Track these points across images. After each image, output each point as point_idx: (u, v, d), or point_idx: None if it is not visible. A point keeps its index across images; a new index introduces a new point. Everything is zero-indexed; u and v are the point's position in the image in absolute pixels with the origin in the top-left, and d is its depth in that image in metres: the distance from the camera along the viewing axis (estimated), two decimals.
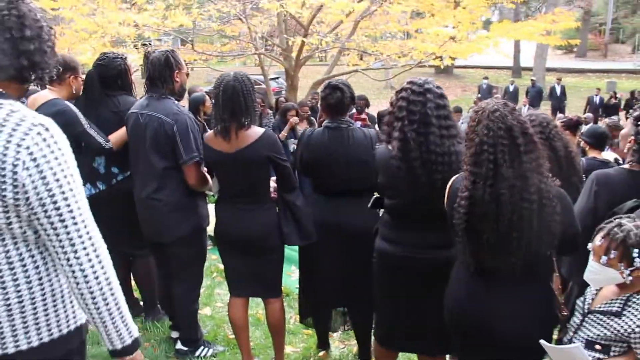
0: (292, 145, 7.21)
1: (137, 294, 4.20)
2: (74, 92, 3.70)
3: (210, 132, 3.17)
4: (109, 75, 3.60)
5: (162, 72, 3.26)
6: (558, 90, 19.73)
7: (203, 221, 3.47)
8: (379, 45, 12.40)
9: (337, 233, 3.33)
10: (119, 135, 3.54)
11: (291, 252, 3.75)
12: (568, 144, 3.25)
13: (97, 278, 1.61)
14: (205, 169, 3.32)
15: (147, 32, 10.18)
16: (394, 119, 2.77)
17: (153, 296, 3.96)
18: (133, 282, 4.13)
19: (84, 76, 3.74)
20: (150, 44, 12.61)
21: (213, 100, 3.10)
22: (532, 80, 20.68)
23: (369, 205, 3.09)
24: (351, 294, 3.46)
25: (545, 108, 18.91)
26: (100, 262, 1.64)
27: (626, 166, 2.75)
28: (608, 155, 4.89)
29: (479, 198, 2.19)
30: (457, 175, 2.43)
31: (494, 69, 28.74)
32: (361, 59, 12.55)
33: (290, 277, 5.04)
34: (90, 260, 1.60)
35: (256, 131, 3.09)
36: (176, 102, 3.30)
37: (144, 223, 3.44)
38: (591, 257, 2.21)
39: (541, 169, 2.22)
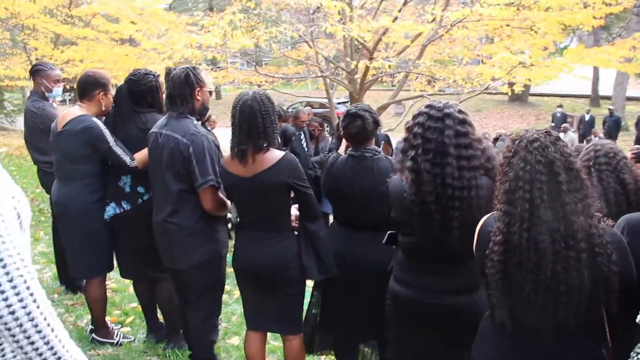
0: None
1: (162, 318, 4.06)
2: (104, 108, 3.64)
3: (227, 154, 2.98)
4: (138, 91, 3.50)
5: (182, 90, 3.11)
6: None
7: (221, 248, 3.26)
8: (446, 70, 12.05)
9: (355, 267, 3.06)
10: (144, 154, 3.41)
11: None
12: (639, 177, 2.82)
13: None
14: (222, 194, 3.12)
15: (211, 54, 10.26)
16: (409, 147, 2.48)
17: (175, 322, 3.78)
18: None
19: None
20: (217, 66, 12.79)
21: (230, 121, 2.90)
22: (609, 109, 19.65)
23: (383, 241, 2.78)
24: (380, 327, 3.15)
25: (624, 139, 17.85)
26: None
27: None
28: None
29: (515, 244, 1.86)
30: (488, 215, 2.09)
31: (570, 97, 27.58)
32: (429, 83, 12.23)
33: None
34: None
35: (275, 155, 2.87)
36: (195, 121, 3.13)
37: (160, 247, 3.29)
38: None
39: (589, 210, 1.87)
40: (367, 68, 10.65)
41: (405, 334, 2.67)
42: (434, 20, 9.32)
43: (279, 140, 5.82)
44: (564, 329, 1.86)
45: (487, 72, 9.52)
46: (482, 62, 11.70)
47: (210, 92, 3.31)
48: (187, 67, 3.16)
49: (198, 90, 3.16)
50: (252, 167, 2.85)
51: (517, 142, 1.96)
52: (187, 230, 3.13)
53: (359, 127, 3.07)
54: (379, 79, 13.53)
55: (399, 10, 10.15)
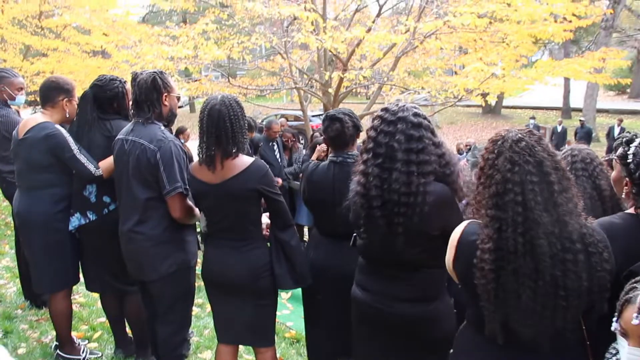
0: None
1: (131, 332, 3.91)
2: (68, 115, 3.52)
3: (195, 161, 2.88)
4: (104, 97, 3.38)
5: (149, 95, 3.00)
6: (617, 131, 18.88)
7: (190, 258, 3.15)
8: (420, 81, 12.09)
9: (339, 280, 2.94)
10: (109, 162, 3.29)
11: None
12: None
13: None
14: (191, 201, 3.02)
15: (184, 65, 10.15)
16: (363, 150, 2.42)
17: (144, 336, 3.64)
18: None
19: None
20: (190, 78, 12.65)
21: (198, 126, 2.81)
22: (580, 120, 19.98)
23: (351, 243, 2.70)
24: None
25: (595, 149, 18.09)
26: None
27: (631, 211, 2.14)
28: None
29: (510, 250, 1.76)
30: (466, 223, 1.97)
31: (543, 109, 28.09)
32: (402, 95, 12.26)
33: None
34: None
35: (244, 161, 2.78)
36: (163, 127, 3.03)
37: (126, 258, 3.16)
38: (625, 342, 1.55)
39: (578, 209, 1.81)
40: (341, 79, 10.64)
41: (362, 338, 2.62)
42: (407, 31, 9.34)
43: (249, 150, 5.74)
44: (561, 336, 1.79)
45: (461, 82, 9.57)
46: (456, 73, 11.80)
47: (178, 98, 3.21)
48: (155, 72, 3.06)
49: (165, 96, 3.06)
50: (220, 174, 2.76)
51: (499, 142, 1.86)
52: (154, 239, 3.02)
53: (337, 131, 3.00)
54: (353, 91, 13.56)
55: (373, 22, 10.16)
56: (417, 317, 2.38)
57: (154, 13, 26.99)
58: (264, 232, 2.97)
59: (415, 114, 2.34)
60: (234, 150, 2.75)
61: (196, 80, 12.35)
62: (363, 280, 2.57)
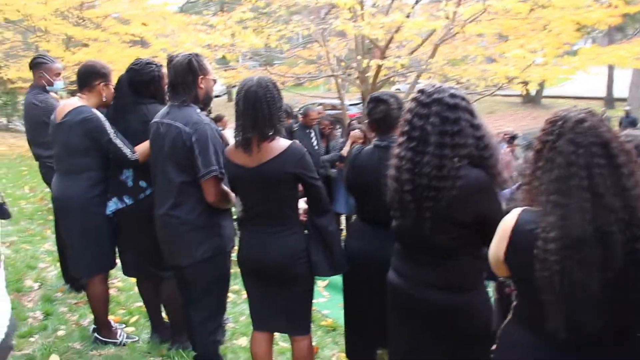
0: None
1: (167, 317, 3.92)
2: (105, 99, 3.51)
3: (231, 144, 2.83)
4: (140, 81, 3.36)
5: (185, 78, 2.96)
6: None
7: (226, 243, 3.11)
8: (459, 69, 11.86)
9: (381, 268, 2.82)
10: (145, 146, 3.27)
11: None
12: None
13: None
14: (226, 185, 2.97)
15: (221, 53, 10.16)
16: (400, 133, 2.35)
17: (180, 322, 3.63)
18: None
19: None
20: (228, 66, 12.67)
21: (234, 109, 2.75)
22: (625, 110, 19.35)
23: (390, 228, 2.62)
24: None
25: None
26: None
27: None
28: None
29: (578, 239, 1.63)
30: (519, 211, 1.82)
31: (585, 99, 27.27)
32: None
33: (341, 308, 4.62)
34: None
35: (281, 144, 2.72)
36: (199, 110, 2.99)
37: (161, 243, 3.14)
38: None
39: None
40: (378, 67, 10.50)
41: (395, 325, 2.55)
42: (447, 17, 9.15)
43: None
44: (627, 330, 1.69)
45: (501, 70, 9.34)
46: (495, 61, 11.52)
47: (215, 82, 3.16)
48: (190, 54, 3.01)
49: (201, 78, 3.01)
50: (257, 157, 2.70)
51: (559, 123, 1.74)
52: (189, 224, 2.98)
53: (383, 112, 2.92)
54: (392, 79, 13.38)
55: (412, 8, 9.98)
56: (449, 307, 2.29)
57: (191, 3, 27.21)
58: (302, 218, 2.91)
59: (452, 95, 2.24)
60: (270, 133, 2.69)
61: (233, 69, 12.39)
62: (398, 265, 2.51)
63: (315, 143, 7.48)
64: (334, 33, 13.95)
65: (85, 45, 15.72)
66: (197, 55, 3.04)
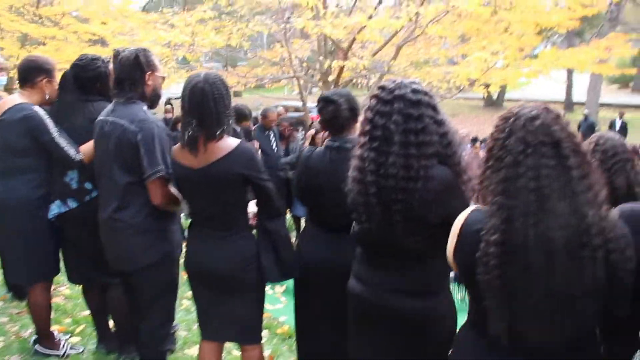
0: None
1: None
2: (48, 97, 3.32)
3: (177, 144, 2.69)
4: (85, 77, 3.20)
5: (131, 73, 2.81)
6: (618, 124, 18.64)
7: (174, 248, 2.96)
8: (421, 72, 11.88)
9: (336, 275, 2.72)
10: (91, 146, 3.10)
11: None
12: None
13: None
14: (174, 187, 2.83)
15: (181, 53, 9.94)
16: (360, 133, 2.24)
17: (127, 331, 3.47)
18: None
19: None
20: (188, 66, 12.44)
21: (180, 106, 2.61)
22: (584, 114, 19.76)
23: (350, 232, 2.49)
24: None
25: None
26: None
27: None
28: None
29: (519, 243, 1.54)
30: (470, 211, 1.75)
31: (545, 103, 27.82)
32: None
33: None
34: None
35: (229, 143, 2.59)
36: (145, 108, 2.84)
37: (106, 247, 2.98)
38: None
39: (599, 199, 1.59)
40: (341, 68, 10.43)
41: (358, 335, 2.41)
42: (410, 19, 9.13)
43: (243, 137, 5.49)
44: (574, 339, 1.60)
45: (463, 72, 9.37)
46: (457, 64, 11.58)
47: (163, 78, 3.01)
48: (137, 49, 2.86)
49: (149, 74, 2.86)
50: (203, 157, 2.56)
51: (511, 120, 1.64)
52: (134, 227, 2.83)
53: (331, 113, 2.79)
54: (354, 81, 13.34)
55: (375, 9, 9.95)
56: (418, 312, 2.18)
57: (154, 2, 26.72)
58: (251, 221, 2.78)
59: (414, 91, 2.13)
60: (218, 132, 2.55)
61: (194, 69, 12.16)
62: (360, 272, 2.37)
63: (274, 145, 7.36)
64: (298, 34, 13.84)
65: (43, 43, 15.25)
66: (144, 50, 2.89)
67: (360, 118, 2.30)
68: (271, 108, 8.03)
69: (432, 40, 12.10)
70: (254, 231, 2.79)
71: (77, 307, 4.36)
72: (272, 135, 7.50)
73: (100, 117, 2.91)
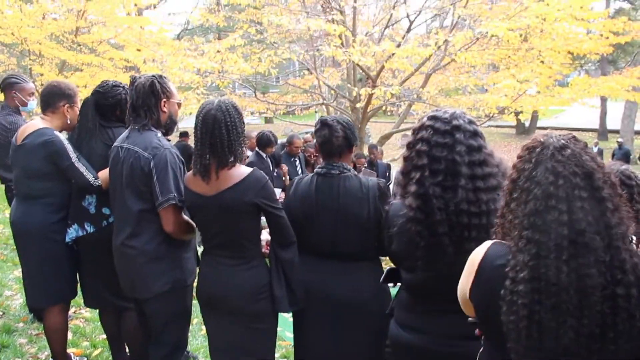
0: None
1: None
2: (69, 122, 3.37)
3: (190, 172, 2.68)
4: (106, 104, 3.24)
5: (146, 100, 2.82)
6: None
7: (187, 276, 2.93)
8: (451, 100, 11.81)
9: (325, 302, 2.71)
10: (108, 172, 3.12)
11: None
12: None
13: None
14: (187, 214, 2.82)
15: (211, 79, 10.07)
16: (412, 167, 2.10)
17: (141, 355, 3.44)
18: None
19: None
20: (218, 92, 12.61)
21: (193, 133, 2.62)
22: (618, 142, 19.39)
23: (381, 279, 2.39)
24: None
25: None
26: None
27: None
28: None
29: (551, 281, 1.43)
30: (489, 243, 1.64)
31: (578, 131, 27.36)
32: None
33: None
34: None
35: (241, 171, 2.57)
36: (160, 135, 2.85)
37: (119, 274, 2.97)
38: None
39: (629, 234, 1.50)
40: (369, 96, 10.43)
41: None
42: (437, 45, 9.10)
43: (269, 164, 5.50)
44: None
45: (493, 100, 9.25)
46: (487, 91, 11.47)
47: (179, 105, 3.03)
48: (153, 76, 2.89)
49: (164, 102, 2.88)
50: (215, 185, 2.55)
51: (537, 149, 1.54)
52: (147, 255, 2.82)
53: (324, 137, 2.75)
54: (383, 109, 13.32)
55: (403, 37, 9.96)
56: (471, 354, 2.03)
57: (188, 30, 27.30)
58: (264, 250, 2.75)
59: (470, 121, 2.08)
60: (230, 160, 2.54)
61: (223, 95, 12.31)
62: (411, 320, 2.22)
63: (300, 171, 7.38)
64: (330, 63, 13.92)
65: (79, 70, 15.67)
66: (160, 77, 2.91)
67: (405, 152, 2.18)
68: (297, 135, 8.09)
69: (462, 68, 12.03)
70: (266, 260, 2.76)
71: (96, 330, 4.36)
72: (297, 162, 7.52)
73: (115, 143, 2.93)
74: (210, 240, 2.71)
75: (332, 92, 12.07)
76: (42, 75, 15.58)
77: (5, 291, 5.07)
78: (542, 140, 1.57)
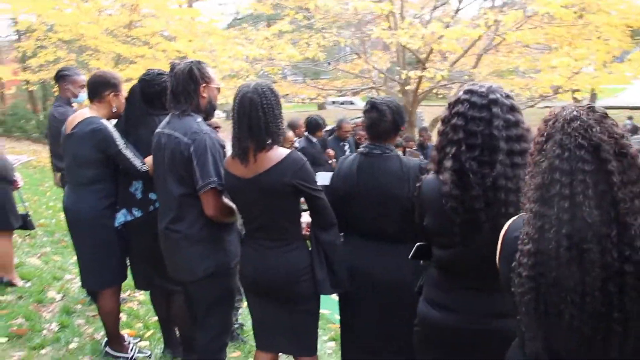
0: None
1: None
2: (115, 110, 3.46)
3: (229, 155, 2.72)
4: (152, 92, 3.30)
5: (186, 86, 2.86)
6: None
7: (231, 259, 2.96)
8: (504, 81, 11.53)
9: (368, 283, 2.71)
10: None
11: None
12: None
13: None
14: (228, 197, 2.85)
15: (260, 66, 10.16)
16: (447, 142, 2.05)
17: (190, 337, 3.53)
18: None
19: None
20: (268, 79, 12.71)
21: (230, 116, 2.65)
22: None
23: (410, 255, 2.35)
24: (390, 354, 2.79)
25: None
26: None
27: None
28: None
29: (551, 254, 1.40)
30: (515, 218, 1.65)
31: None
32: None
33: None
34: None
35: (279, 153, 2.58)
36: (199, 120, 2.89)
37: (165, 258, 3.05)
38: None
39: None
40: (420, 78, 10.30)
41: None
42: (488, 27, 8.88)
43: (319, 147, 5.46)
44: None
45: (546, 79, 8.97)
46: (541, 72, 11.14)
47: (219, 90, 3.06)
48: (192, 61, 2.92)
49: (204, 86, 2.90)
50: (253, 167, 2.57)
51: (551, 122, 1.50)
52: (191, 238, 2.87)
53: (373, 120, 2.75)
54: (435, 92, 13.14)
55: (452, 17, 9.77)
56: (507, 333, 1.93)
57: (238, 20, 27.52)
58: (304, 232, 2.76)
59: (507, 95, 2.02)
60: (268, 142, 2.56)
61: (274, 82, 12.41)
62: (442, 298, 2.17)
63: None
64: (380, 46, 13.80)
65: (133, 62, 16.07)
66: (199, 62, 2.95)
67: (440, 127, 2.14)
68: (346, 119, 8.07)
69: (514, 49, 11.73)
70: (307, 242, 2.77)
71: (149, 313, 4.49)
72: (347, 146, 7.51)
73: (157, 130, 2.99)
74: (250, 223, 2.74)
75: (382, 75, 11.96)
76: (98, 69, 16.06)
77: (66, 275, 5.28)
78: (556, 112, 1.52)
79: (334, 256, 2.70)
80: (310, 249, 2.74)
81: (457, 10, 10.17)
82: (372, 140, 2.79)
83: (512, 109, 2.00)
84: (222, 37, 12.08)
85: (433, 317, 2.18)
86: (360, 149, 2.80)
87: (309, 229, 2.77)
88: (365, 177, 2.68)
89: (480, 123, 1.97)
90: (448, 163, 2.03)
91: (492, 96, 1.99)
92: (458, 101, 2.06)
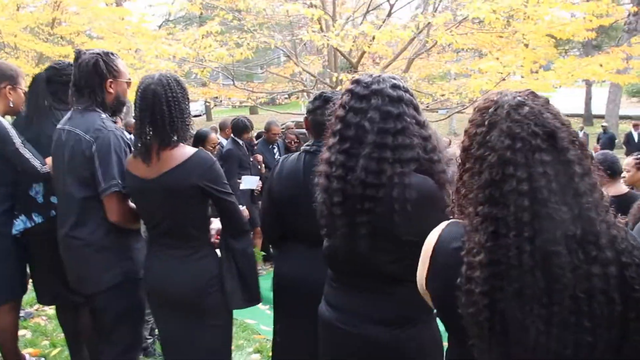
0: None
1: None
2: (12, 105, 3.14)
3: (131, 154, 2.47)
4: (60, 82, 3.02)
5: (90, 81, 2.60)
6: (636, 136, 18.09)
7: (138, 268, 2.70)
8: (434, 86, 11.63)
9: (312, 295, 2.50)
10: None
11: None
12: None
13: None
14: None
15: (187, 67, 9.83)
16: (330, 134, 1.94)
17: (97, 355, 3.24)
18: None
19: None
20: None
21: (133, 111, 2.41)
22: (603, 126, 19.49)
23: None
24: None
25: (619, 156, 17.52)
26: None
27: None
28: None
29: (511, 263, 1.22)
30: (443, 227, 1.44)
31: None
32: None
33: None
34: None
35: (185, 151, 2.37)
36: (104, 116, 2.62)
37: (66, 267, 2.76)
38: None
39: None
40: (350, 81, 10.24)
41: None
42: (420, 30, 8.91)
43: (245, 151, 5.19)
44: None
45: (475, 84, 9.05)
46: (471, 77, 11.32)
47: (129, 84, 2.81)
48: (99, 53, 2.66)
49: (110, 82, 2.65)
50: (156, 167, 2.34)
51: (491, 110, 1.32)
52: (94, 245, 2.61)
53: (327, 115, 2.54)
54: None
55: (383, 21, 9.77)
56: (391, 345, 1.88)
57: (170, 21, 26.92)
58: (213, 239, 2.54)
59: (394, 86, 1.86)
60: (173, 139, 2.33)
61: (203, 85, 12.08)
62: (330, 295, 2.09)
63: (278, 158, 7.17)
64: (313, 51, 13.70)
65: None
66: (107, 54, 2.69)
67: (328, 119, 2.02)
68: (274, 121, 7.85)
69: (446, 54, 11.87)
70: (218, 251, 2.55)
71: (58, 329, 4.14)
72: (276, 149, 7.32)
73: (58, 126, 2.71)
74: (154, 228, 2.50)
75: (313, 78, 11.84)
76: (18, 67, 15.27)
77: None
78: (495, 99, 1.34)
79: (246, 266, 2.50)
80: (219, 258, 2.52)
81: (390, 14, 10.12)
82: (317, 137, 2.53)
83: (398, 100, 1.84)
84: (150, 37, 11.66)
85: (323, 315, 2.09)
86: (305, 147, 2.56)
87: (219, 237, 2.55)
88: (312, 177, 2.47)
89: (357, 114, 1.85)
90: (324, 155, 1.94)
91: (374, 87, 1.86)
92: (345, 91, 1.94)
